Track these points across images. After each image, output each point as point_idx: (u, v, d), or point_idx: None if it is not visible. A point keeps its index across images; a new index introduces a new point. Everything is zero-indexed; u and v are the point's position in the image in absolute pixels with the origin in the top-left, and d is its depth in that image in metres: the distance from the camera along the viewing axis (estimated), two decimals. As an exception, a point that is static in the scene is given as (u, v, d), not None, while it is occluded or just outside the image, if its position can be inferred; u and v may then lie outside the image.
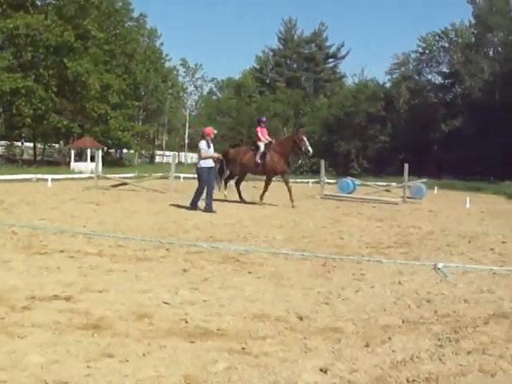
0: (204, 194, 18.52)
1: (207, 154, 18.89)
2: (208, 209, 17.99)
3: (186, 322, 6.14)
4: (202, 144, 19.01)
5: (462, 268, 8.96)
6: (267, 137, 22.56)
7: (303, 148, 21.43)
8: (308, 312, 6.68)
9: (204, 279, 8.18)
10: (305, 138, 21.54)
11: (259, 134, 22.48)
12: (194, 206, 18.50)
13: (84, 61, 47.81)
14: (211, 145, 19.20)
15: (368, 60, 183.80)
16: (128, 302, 6.80)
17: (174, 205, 19.87)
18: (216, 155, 19.69)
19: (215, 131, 19.95)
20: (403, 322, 6.48)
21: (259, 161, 21.85)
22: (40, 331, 5.69)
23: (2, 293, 7.02)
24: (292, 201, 21.13)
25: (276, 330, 5.97)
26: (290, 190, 21.49)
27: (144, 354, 5.20)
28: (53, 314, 6.25)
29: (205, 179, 18.67)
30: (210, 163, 19.06)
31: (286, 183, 21.92)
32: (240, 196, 22.80)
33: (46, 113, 47.67)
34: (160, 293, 7.30)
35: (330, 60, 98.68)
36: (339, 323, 6.34)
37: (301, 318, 6.44)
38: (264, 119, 24.07)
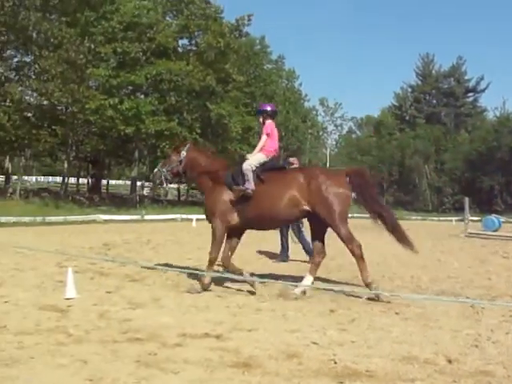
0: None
1: None
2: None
3: (335, 363, 6.18)
4: None
5: None
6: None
7: None
8: (457, 355, 6.57)
9: (351, 320, 8.21)
10: None
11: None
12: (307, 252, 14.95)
13: (225, 104, 48.86)
14: None
15: (509, 92, 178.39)
16: (277, 341, 6.93)
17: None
18: None
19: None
20: (559, 366, 6.26)
21: None
22: (192, 368, 5.91)
23: (154, 329, 7.34)
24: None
25: (425, 373, 5.92)
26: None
27: (293, 394, 5.31)
28: (204, 351, 6.47)
29: None
30: None
31: None
32: None
33: (190, 154, 48.93)
34: (308, 332, 7.39)
35: (470, 94, 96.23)
36: (490, 367, 6.19)
37: (450, 361, 6.34)
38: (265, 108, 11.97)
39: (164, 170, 11.50)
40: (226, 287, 10.54)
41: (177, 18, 49.06)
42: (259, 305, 9.08)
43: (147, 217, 31.99)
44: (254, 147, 38.16)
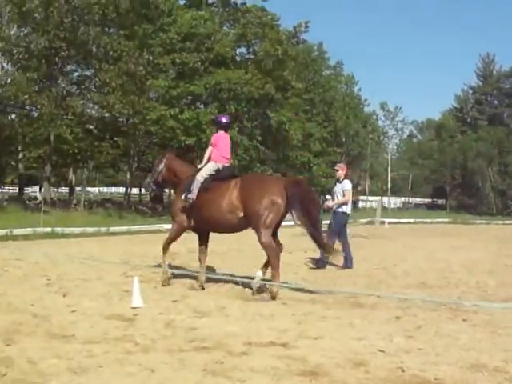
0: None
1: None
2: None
3: (403, 371, 6.12)
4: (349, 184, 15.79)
5: None
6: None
7: None
8: (528, 362, 6.44)
9: (418, 327, 8.12)
10: None
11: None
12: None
13: (285, 111, 48.86)
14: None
15: None
16: (343, 349, 6.88)
17: (381, 250, 19.79)
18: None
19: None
20: None
21: None
22: (259, 376, 5.91)
23: (220, 338, 7.36)
24: None
25: (495, 381, 5.84)
26: None
27: (362, 403, 5.27)
28: (270, 359, 6.46)
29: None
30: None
31: None
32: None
33: (251, 162, 49.00)
34: (375, 340, 7.34)
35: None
36: None
37: (521, 369, 6.21)
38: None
39: (149, 180, 12.97)
40: (291, 297, 10.50)
41: (234, 27, 49.33)
42: (324, 312, 9.05)
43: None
44: (315, 154, 38.38)
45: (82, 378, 5.76)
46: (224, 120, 12.48)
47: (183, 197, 11.50)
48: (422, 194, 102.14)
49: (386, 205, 79.84)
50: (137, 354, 6.65)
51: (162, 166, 12.49)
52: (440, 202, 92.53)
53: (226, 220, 11.32)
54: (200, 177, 11.51)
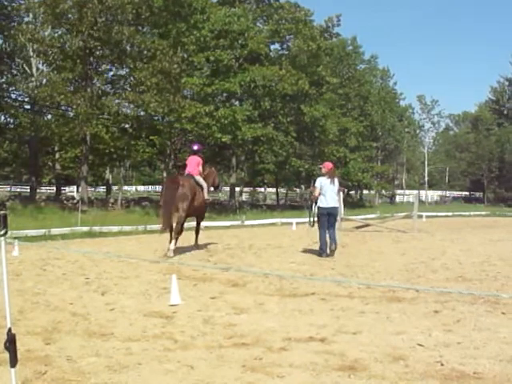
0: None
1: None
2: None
3: (442, 365, 6.08)
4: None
5: None
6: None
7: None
8: None
9: (456, 320, 8.06)
10: None
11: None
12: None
13: (320, 106, 48.81)
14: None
15: None
16: (382, 344, 6.87)
17: (419, 244, 19.68)
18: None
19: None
20: None
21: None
22: (298, 372, 5.91)
23: (259, 334, 7.37)
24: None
25: (536, 374, 5.77)
26: None
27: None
28: (309, 355, 6.46)
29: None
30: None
31: None
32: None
33: (287, 158, 49.06)
34: (413, 334, 7.30)
35: None
36: None
37: (563, 363, 6.14)
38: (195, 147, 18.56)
39: None
40: (329, 292, 10.48)
41: (267, 24, 49.37)
42: (363, 307, 9.02)
43: (247, 222, 31.94)
44: (351, 149, 39.09)
45: (122, 375, 5.79)
46: (194, 147, 18.18)
47: None
48: (460, 187, 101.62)
49: (424, 198, 79.40)
50: (176, 351, 6.67)
51: None
52: (477, 195, 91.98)
53: None
54: None
